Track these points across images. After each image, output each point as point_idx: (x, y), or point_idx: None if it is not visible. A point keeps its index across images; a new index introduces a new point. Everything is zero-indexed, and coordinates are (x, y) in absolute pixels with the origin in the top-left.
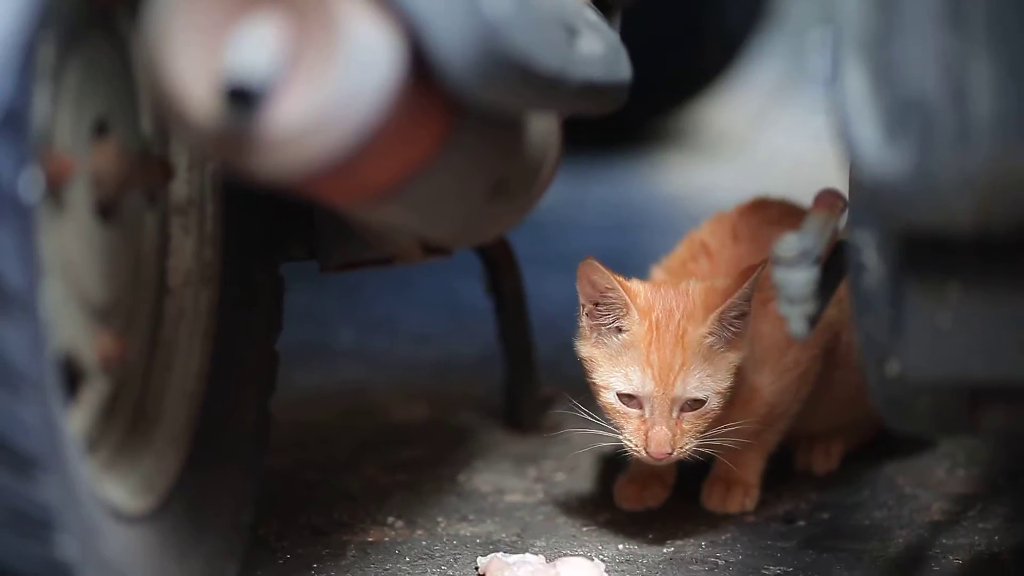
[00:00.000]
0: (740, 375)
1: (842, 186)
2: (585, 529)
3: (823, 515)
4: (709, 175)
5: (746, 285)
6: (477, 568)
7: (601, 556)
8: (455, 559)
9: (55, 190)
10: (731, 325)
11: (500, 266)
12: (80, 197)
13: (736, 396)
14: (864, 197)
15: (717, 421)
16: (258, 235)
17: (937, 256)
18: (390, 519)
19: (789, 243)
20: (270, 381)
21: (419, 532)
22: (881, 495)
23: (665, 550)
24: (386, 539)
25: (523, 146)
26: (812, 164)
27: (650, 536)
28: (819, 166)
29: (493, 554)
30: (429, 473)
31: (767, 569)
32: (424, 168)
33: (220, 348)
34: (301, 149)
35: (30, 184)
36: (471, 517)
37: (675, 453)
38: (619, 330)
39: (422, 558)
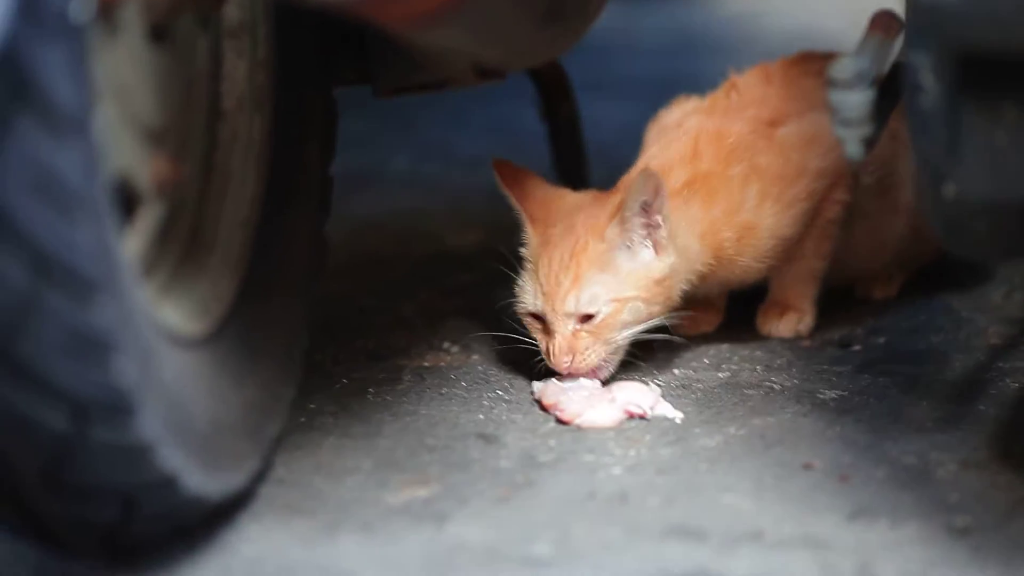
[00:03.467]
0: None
1: (898, 7)
2: (640, 354)
3: (879, 340)
4: None
5: (633, 191)
6: (533, 393)
7: (657, 381)
8: (511, 384)
9: (108, 13)
10: (638, 229)
11: (554, 91)
12: (133, 20)
13: (720, 239)
14: (921, 18)
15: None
16: (311, 59)
17: (994, 76)
18: (446, 344)
19: (844, 65)
20: (324, 207)
21: (475, 357)
22: (937, 319)
23: (720, 375)
24: (442, 364)
25: None
26: None
27: (705, 361)
28: None
29: (549, 379)
30: (485, 299)
31: (822, 393)
32: None
33: (274, 173)
34: None
35: (83, 7)
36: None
37: (576, 362)
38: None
39: (478, 382)
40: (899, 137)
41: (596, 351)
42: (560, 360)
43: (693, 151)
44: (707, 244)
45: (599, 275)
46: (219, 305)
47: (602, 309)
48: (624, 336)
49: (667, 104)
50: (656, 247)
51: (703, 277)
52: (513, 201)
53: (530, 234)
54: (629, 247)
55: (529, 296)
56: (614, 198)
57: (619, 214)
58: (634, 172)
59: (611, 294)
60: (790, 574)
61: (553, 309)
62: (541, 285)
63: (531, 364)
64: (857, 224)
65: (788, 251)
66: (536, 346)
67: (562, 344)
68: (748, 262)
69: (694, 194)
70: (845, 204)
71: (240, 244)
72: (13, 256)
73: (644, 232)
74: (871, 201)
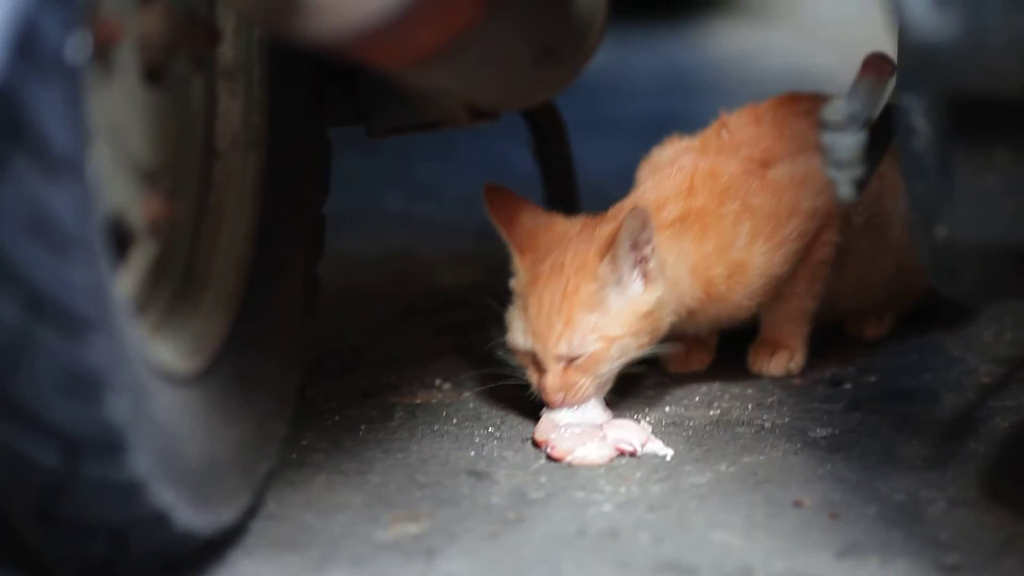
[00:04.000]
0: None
1: (891, 50)
2: (632, 392)
3: (870, 378)
4: (757, 40)
5: (624, 230)
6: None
7: (648, 419)
8: (502, 421)
9: (103, 54)
10: (628, 265)
11: (547, 130)
12: (128, 61)
13: (710, 281)
14: (913, 61)
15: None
16: (305, 99)
17: (985, 119)
18: (437, 381)
19: (837, 107)
20: (318, 245)
21: (466, 394)
22: (928, 358)
23: (711, 412)
24: (434, 401)
25: (570, 10)
26: (860, 28)
27: (696, 399)
28: (867, 30)
29: (547, 412)
30: (476, 336)
31: (813, 431)
32: (471, 31)
33: (268, 212)
34: (347, 11)
35: (78, 47)
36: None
37: (569, 397)
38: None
39: (469, 419)
40: (886, 177)
41: (586, 385)
42: (554, 397)
43: (688, 187)
44: (697, 278)
45: (589, 316)
46: (212, 342)
47: (590, 348)
48: (613, 369)
49: (660, 143)
50: (645, 278)
51: (692, 312)
52: (500, 230)
53: (518, 266)
54: (619, 283)
55: (519, 334)
56: (602, 231)
57: (610, 252)
58: (627, 202)
59: (600, 332)
60: None
61: (545, 349)
62: (531, 324)
63: (524, 398)
64: (848, 263)
65: (778, 289)
66: (524, 381)
67: (554, 383)
68: (738, 299)
69: (687, 228)
70: (835, 245)
71: (233, 282)
72: (7, 295)
73: (634, 267)
74: (861, 241)
